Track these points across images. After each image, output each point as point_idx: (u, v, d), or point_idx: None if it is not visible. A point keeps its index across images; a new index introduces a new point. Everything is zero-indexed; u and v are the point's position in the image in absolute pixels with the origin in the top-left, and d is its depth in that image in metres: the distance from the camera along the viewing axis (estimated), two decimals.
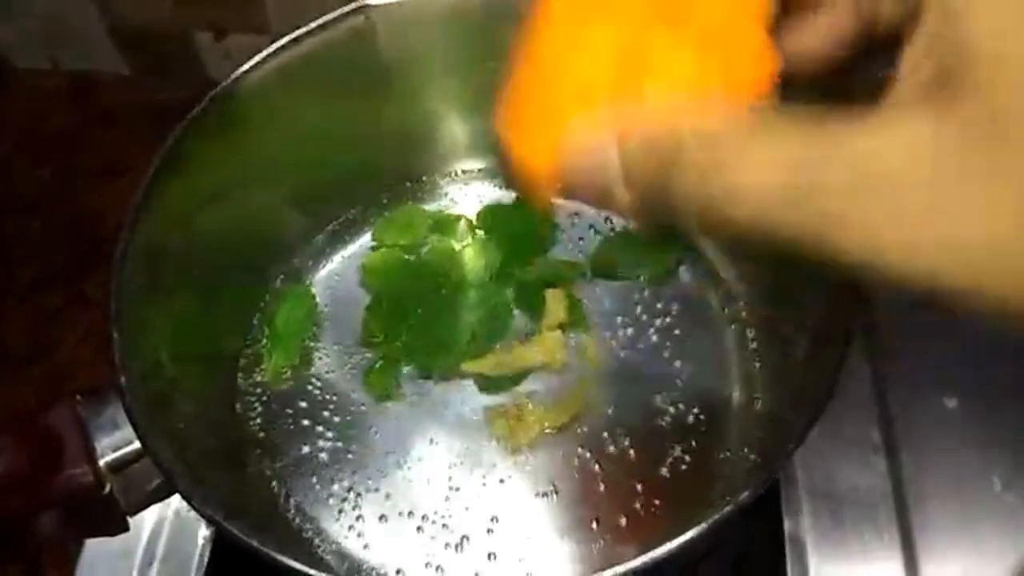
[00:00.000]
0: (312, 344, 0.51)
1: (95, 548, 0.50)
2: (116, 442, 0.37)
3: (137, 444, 0.36)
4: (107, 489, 0.36)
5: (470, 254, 0.53)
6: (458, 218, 0.55)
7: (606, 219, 0.54)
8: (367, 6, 0.47)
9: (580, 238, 0.54)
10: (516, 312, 0.51)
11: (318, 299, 0.53)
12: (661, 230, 0.52)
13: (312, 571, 0.34)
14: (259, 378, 0.50)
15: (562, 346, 0.49)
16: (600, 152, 0.23)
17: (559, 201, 0.53)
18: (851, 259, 0.20)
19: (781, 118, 0.20)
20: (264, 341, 0.51)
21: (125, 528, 0.39)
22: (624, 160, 0.23)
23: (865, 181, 0.19)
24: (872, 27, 0.25)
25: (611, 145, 0.23)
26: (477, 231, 0.54)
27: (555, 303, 0.51)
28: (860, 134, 0.19)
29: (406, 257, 0.53)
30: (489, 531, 0.45)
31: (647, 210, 0.23)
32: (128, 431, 0.36)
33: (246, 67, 0.46)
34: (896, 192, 0.19)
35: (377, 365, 0.50)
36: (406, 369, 0.50)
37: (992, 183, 0.18)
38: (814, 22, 0.26)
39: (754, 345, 0.49)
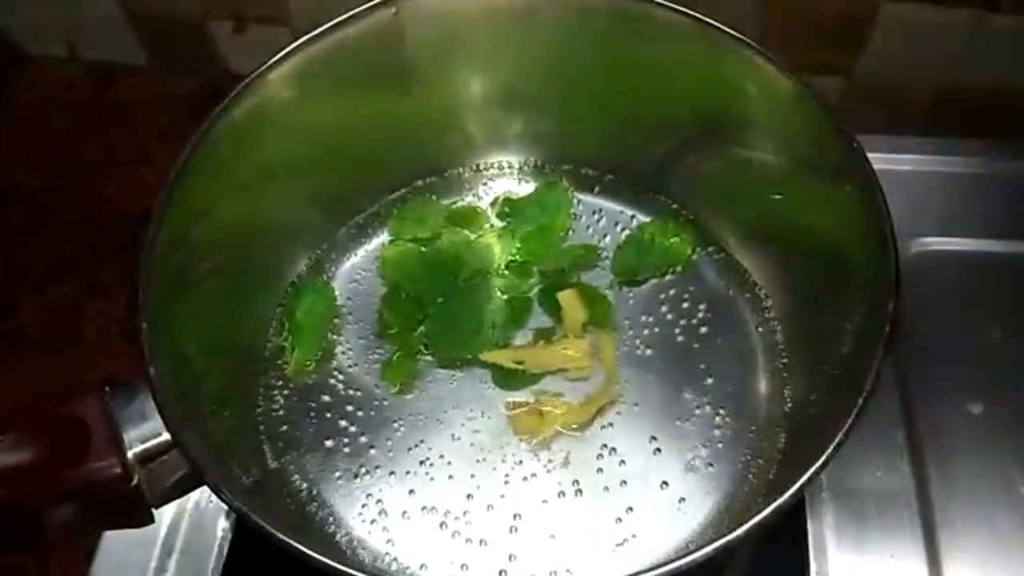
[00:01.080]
0: (335, 338, 0.51)
1: (113, 539, 0.50)
2: (144, 434, 0.36)
3: (166, 436, 0.36)
4: (134, 481, 0.36)
5: (487, 244, 0.53)
6: (474, 209, 0.55)
7: (632, 216, 0.54)
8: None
9: (605, 234, 0.54)
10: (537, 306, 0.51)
11: (340, 293, 0.52)
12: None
13: (335, 564, 0.34)
14: (283, 372, 0.50)
15: (587, 356, 0.49)
16: None
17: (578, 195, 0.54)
18: None
19: None
20: (286, 335, 0.51)
21: (151, 520, 0.39)
22: None
23: None
24: None
25: None
26: (495, 221, 0.54)
27: (571, 305, 0.50)
28: None
29: (423, 249, 0.53)
30: (512, 529, 0.45)
31: None
32: (157, 422, 0.36)
33: (273, 59, 0.45)
34: None
35: (395, 357, 0.50)
36: (427, 363, 0.49)
37: None
38: None
39: (782, 346, 0.49)
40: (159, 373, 0.37)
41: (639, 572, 0.33)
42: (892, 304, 0.37)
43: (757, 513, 0.33)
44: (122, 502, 0.37)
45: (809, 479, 0.34)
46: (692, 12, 0.44)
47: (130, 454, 0.36)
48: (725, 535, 0.33)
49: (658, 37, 0.46)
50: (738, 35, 0.44)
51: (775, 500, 0.33)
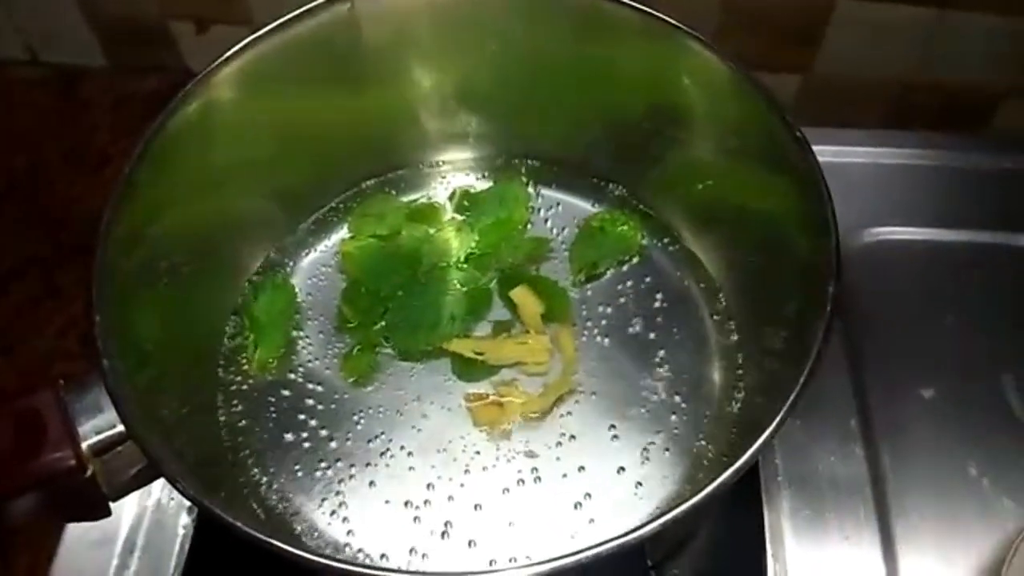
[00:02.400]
0: (295, 334, 0.51)
1: (75, 536, 0.50)
2: (99, 425, 0.37)
3: (120, 427, 0.36)
4: (89, 472, 0.36)
5: (446, 237, 0.54)
6: (432, 205, 0.55)
7: (589, 208, 0.55)
8: None
9: (563, 227, 0.54)
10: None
11: (301, 289, 0.53)
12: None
13: (294, 551, 0.34)
14: (242, 368, 0.50)
15: (546, 352, 0.50)
16: None
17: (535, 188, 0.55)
18: None
19: None
20: (247, 333, 0.51)
21: (107, 513, 0.39)
22: None
23: None
24: None
25: None
26: (454, 216, 0.55)
27: (525, 301, 0.51)
28: None
29: (382, 244, 0.53)
30: (472, 517, 0.45)
31: None
32: (111, 414, 0.36)
33: (226, 55, 0.45)
34: None
35: (354, 350, 0.50)
36: (388, 355, 0.50)
37: None
38: None
39: (735, 333, 0.50)
40: (112, 365, 0.37)
41: (591, 547, 0.33)
42: (832, 287, 0.38)
43: (693, 496, 0.34)
44: (78, 494, 0.37)
45: (745, 462, 0.34)
46: (638, 5, 0.45)
47: (84, 445, 0.36)
48: (667, 513, 0.34)
49: (607, 31, 0.47)
50: (683, 27, 0.45)
51: (709, 484, 0.34)
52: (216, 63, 0.45)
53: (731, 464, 0.35)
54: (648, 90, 0.49)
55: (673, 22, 0.45)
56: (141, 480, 0.39)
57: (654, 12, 0.45)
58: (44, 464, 0.35)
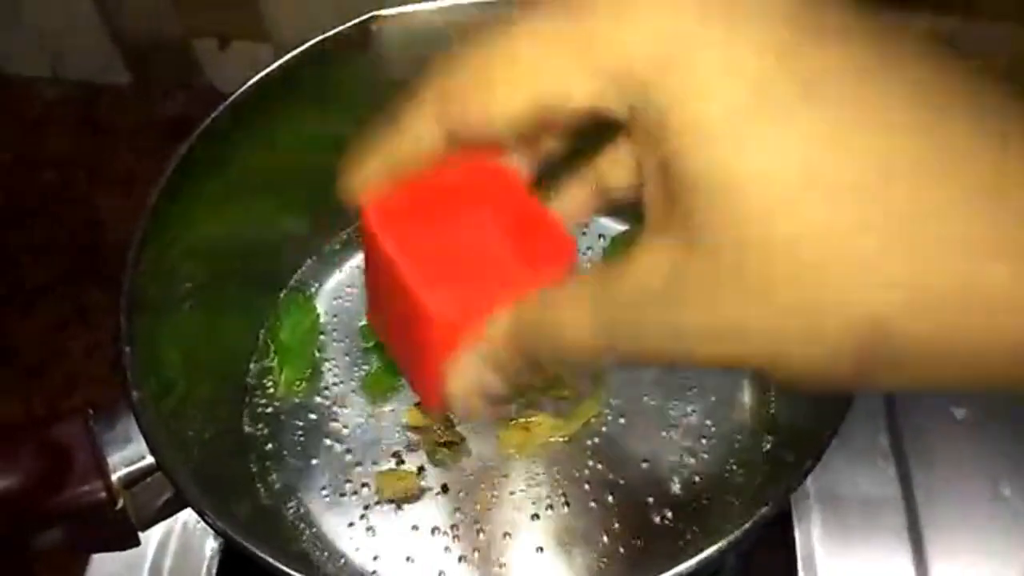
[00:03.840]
0: (321, 356, 0.51)
1: (101, 562, 0.50)
2: (128, 457, 0.36)
3: (150, 459, 0.36)
4: (119, 505, 0.36)
5: None
6: None
7: (620, 220, 0.54)
8: (378, 17, 0.47)
9: (588, 248, 0.54)
10: None
11: (326, 311, 0.53)
12: None
13: None
14: (268, 392, 0.50)
15: (575, 379, 0.49)
16: (469, 377, 0.27)
17: (562, 212, 0.54)
18: (664, 360, 0.24)
19: (582, 278, 0.25)
20: (272, 357, 0.50)
21: (136, 543, 0.39)
22: (490, 365, 0.26)
23: (640, 301, 0.22)
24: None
25: (476, 366, 0.26)
26: None
27: None
28: (627, 267, 0.23)
29: None
30: (501, 544, 0.45)
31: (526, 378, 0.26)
32: (141, 445, 0.36)
33: (256, 78, 0.45)
34: (659, 308, 0.22)
35: (376, 369, 0.50)
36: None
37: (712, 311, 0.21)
38: (569, 200, 0.31)
39: None
40: (142, 396, 0.37)
41: None
42: None
43: (738, 527, 0.33)
44: (108, 526, 0.37)
45: (789, 489, 0.34)
46: None
47: (114, 478, 0.36)
48: (710, 546, 0.33)
49: None
50: None
51: (755, 513, 0.33)
52: (243, 88, 0.45)
53: (762, 507, 0.34)
54: None
55: None
56: (170, 510, 0.39)
57: None
58: (74, 497, 0.35)
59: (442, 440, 0.47)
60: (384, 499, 0.46)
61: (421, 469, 0.47)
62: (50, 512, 0.36)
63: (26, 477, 0.36)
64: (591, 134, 0.26)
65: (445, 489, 0.46)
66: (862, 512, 0.51)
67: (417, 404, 0.48)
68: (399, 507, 0.46)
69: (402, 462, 0.47)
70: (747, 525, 0.33)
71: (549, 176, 0.31)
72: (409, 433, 0.48)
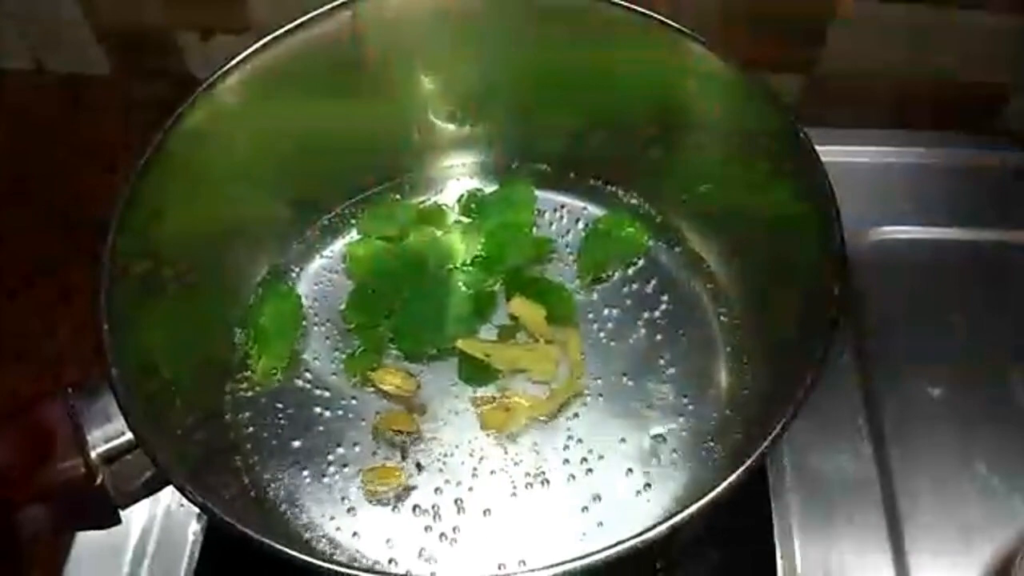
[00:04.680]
0: (302, 340, 0.51)
1: (85, 544, 0.50)
2: (108, 433, 0.37)
3: (129, 435, 0.36)
4: (99, 481, 0.36)
5: (453, 240, 0.54)
6: (441, 207, 0.55)
7: (593, 211, 0.55)
8: (353, 1, 0.47)
9: (568, 230, 0.54)
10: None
11: (307, 295, 0.53)
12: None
13: (305, 557, 0.34)
14: (249, 375, 0.50)
15: (553, 363, 0.49)
16: None
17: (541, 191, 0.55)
18: None
19: None
20: (251, 343, 0.51)
21: (117, 521, 0.39)
22: None
23: None
24: None
25: None
26: (460, 219, 0.55)
27: (524, 312, 0.51)
28: None
29: (390, 246, 0.54)
30: (481, 522, 0.45)
31: None
32: (120, 423, 0.37)
33: (231, 63, 0.46)
34: None
35: (358, 352, 0.50)
36: (394, 359, 0.50)
37: None
38: None
39: (741, 333, 0.50)
40: (121, 373, 0.37)
41: (600, 550, 0.33)
42: (838, 290, 0.38)
43: (702, 497, 0.34)
44: (88, 502, 0.37)
45: (754, 461, 0.35)
46: (639, 8, 0.45)
47: (93, 454, 0.36)
48: (677, 515, 0.34)
49: (609, 34, 0.47)
50: (684, 30, 0.45)
51: (720, 484, 0.34)
52: (219, 72, 0.45)
53: (738, 467, 0.35)
54: (652, 93, 0.49)
55: (674, 25, 0.45)
56: (150, 488, 0.39)
57: (655, 15, 0.45)
58: (54, 473, 0.36)
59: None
60: (373, 498, 0.46)
61: (403, 455, 0.47)
62: (31, 489, 0.36)
63: (8, 454, 0.36)
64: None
65: (420, 468, 0.47)
66: (839, 491, 0.51)
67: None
68: (380, 488, 0.46)
69: (380, 447, 0.47)
70: (714, 493, 0.34)
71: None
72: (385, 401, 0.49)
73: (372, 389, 0.49)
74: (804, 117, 0.43)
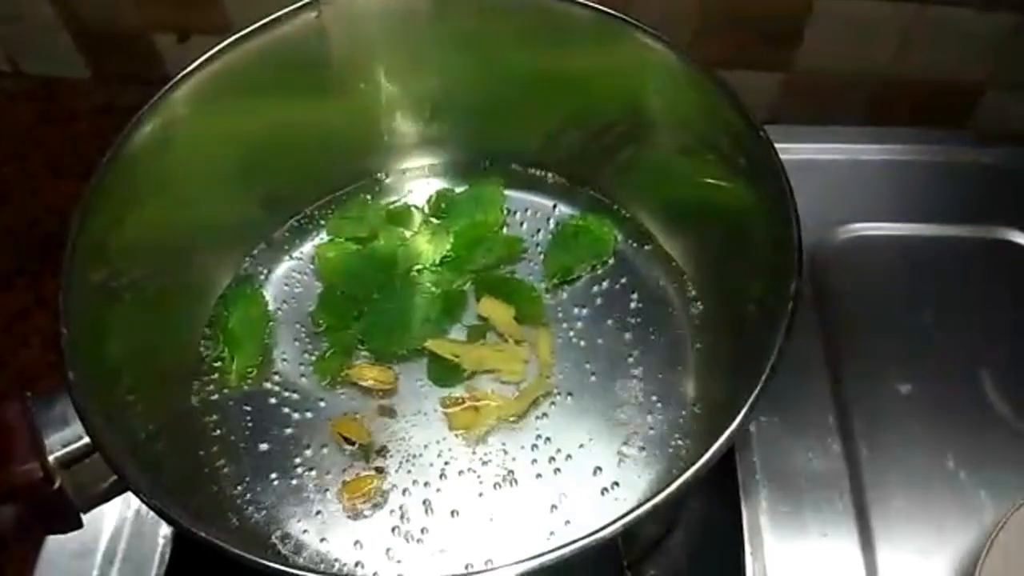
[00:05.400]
0: (271, 343, 0.51)
1: (54, 547, 0.50)
2: (66, 438, 0.37)
3: (87, 439, 0.36)
4: (56, 484, 0.36)
5: (422, 241, 0.54)
6: (410, 208, 0.55)
7: (562, 211, 0.55)
8: (318, 2, 0.47)
9: (537, 229, 0.54)
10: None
11: (275, 297, 0.53)
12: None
13: (269, 563, 0.34)
14: (216, 379, 0.50)
15: (522, 363, 0.49)
16: None
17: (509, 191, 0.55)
18: None
19: None
20: (222, 347, 0.50)
21: (79, 525, 0.39)
22: None
23: None
24: None
25: None
26: (429, 219, 0.55)
27: (493, 312, 0.51)
28: None
29: (359, 248, 0.54)
30: (449, 522, 0.45)
31: None
32: (78, 427, 0.36)
33: (193, 65, 0.46)
34: None
35: (328, 353, 0.50)
36: (363, 359, 0.50)
37: None
38: None
39: (708, 332, 0.50)
40: (78, 378, 0.37)
41: (563, 545, 0.33)
42: (794, 284, 0.38)
43: (662, 490, 0.34)
44: (48, 506, 0.37)
45: (710, 457, 0.35)
46: (595, 5, 0.45)
47: (51, 458, 0.36)
48: (639, 507, 0.34)
49: (570, 33, 0.47)
50: (642, 25, 0.45)
51: (679, 477, 0.34)
52: (181, 75, 0.45)
53: (697, 460, 0.35)
54: (618, 92, 0.49)
55: (637, 23, 0.45)
56: (112, 492, 0.39)
57: (618, 14, 0.45)
58: (10, 476, 0.35)
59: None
60: (351, 510, 0.46)
61: (367, 458, 0.47)
62: None
63: None
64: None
65: (383, 471, 0.47)
66: (809, 488, 0.51)
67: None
68: (348, 490, 0.46)
69: (348, 449, 0.47)
70: (673, 486, 0.34)
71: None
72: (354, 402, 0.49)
73: (342, 391, 0.49)
74: (782, 114, 0.43)
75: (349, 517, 0.46)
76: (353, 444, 0.47)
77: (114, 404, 0.40)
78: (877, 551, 0.50)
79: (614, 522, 0.34)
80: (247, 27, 0.47)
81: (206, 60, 0.46)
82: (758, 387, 0.35)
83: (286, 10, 0.47)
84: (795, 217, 0.39)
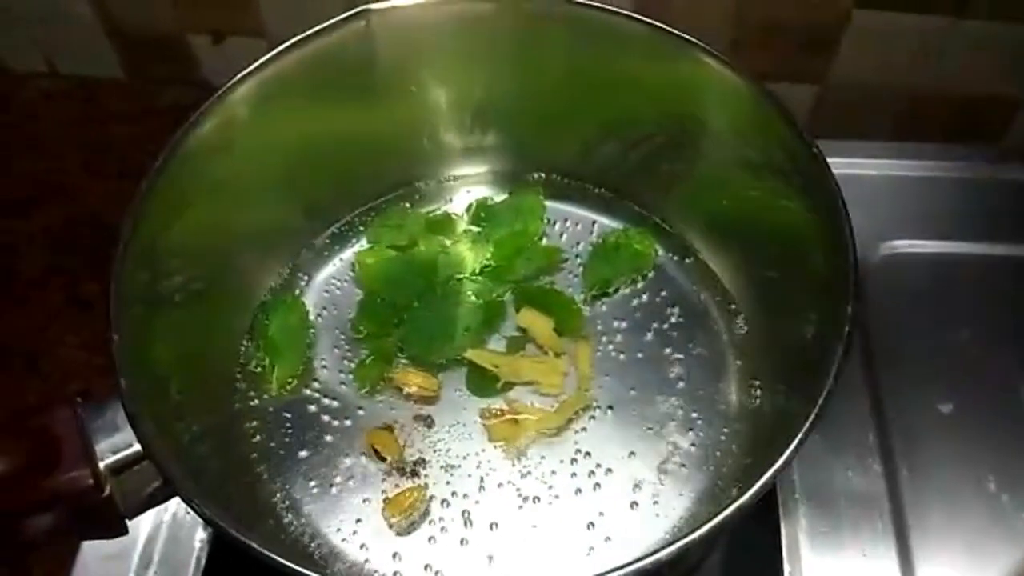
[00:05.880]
0: (311, 350, 0.51)
1: (90, 551, 0.50)
2: (116, 444, 0.37)
3: (137, 447, 0.36)
4: (106, 492, 0.36)
5: (462, 249, 0.54)
6: (450, 216, 0.55)
7: (602, 223, 0.55)
8: (367, 11, 0.47)
9: (578, 241, 0.54)
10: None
11: (316, 304, 0.53)
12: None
13: (309, 573, 0.34)
14: (258, 385, 0.50)
15: (562, 376, 0.49)
16: None
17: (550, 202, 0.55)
18: None
19: None
20: (262, 355, 0.50)
21: (124, 531, 0.39)
22: None
23: None
24: None
25: None
26: (469, 228, 0.55)
27: (532, 323, 0.51)
28: None
29: (399, 255, 0.54)
30: (488, 535, 0.45)
31: None
32: (128, 433, 0.36)
33: (245, 71, 0.46)
34: None
35: (368, 361, 0.50)
36: (403, 366, 0.50)
37: None
38: None
39: (751, 348, 0.49)
40: (130, 384, 0.37)
41: (605, 572, 0.33)
42: (851, 307, 0.37)
43: (716, 516, 0.33)
44: (95, 513, 0.37)
45: (766, 482, 0.34)
46: (649, 20, 0.45)
47: (101, 465, 0.36)
48: (689, 534, 0.33)
49: (620, 46, 0.47)
50: (696, 41, 0.45)
51: (735, 502, 0.34)
52: (233, 80, 0.45)
53: (748, 484, 0.35)
54: (663, 105, 0.49)
55: (686, 36, 0.45)
56: (158, 499, 0.39)
57: (667, 27, 0.45)
58: (61, 483, 0.36)
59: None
60: (391, 522, 0.46)
61: (416, 464, 0.47)
62: (37, 498, 0.36)
63: (13, 463, 0.36)
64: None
65: (430, 482, 0.47)
66: (848, 508, 0.51)
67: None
68: (387, 500, 0.46)
69: (383, 459, 0.47)
70: (716, 520, 0.34)
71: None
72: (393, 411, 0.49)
73: (381, 399, 0.49)
74: (816, 128, 0.43)
75: (388, 528, 0.46)
76: (384, 460, 0.47)
77: (162, 410, 0.40)
78: (916, 571, 0.49)
79: (663, 548, 0.34)
80: (289, 33, 0.47)
81: (256, 67, 0.46)
82: (813, 412, 0.35)
83: (335, 19, 0.47)
84: (852, 239, 0.39)
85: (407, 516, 0.45)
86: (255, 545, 0.35)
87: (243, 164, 0.48)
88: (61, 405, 0.37)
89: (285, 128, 0.49)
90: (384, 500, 0.46)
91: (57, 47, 0.84)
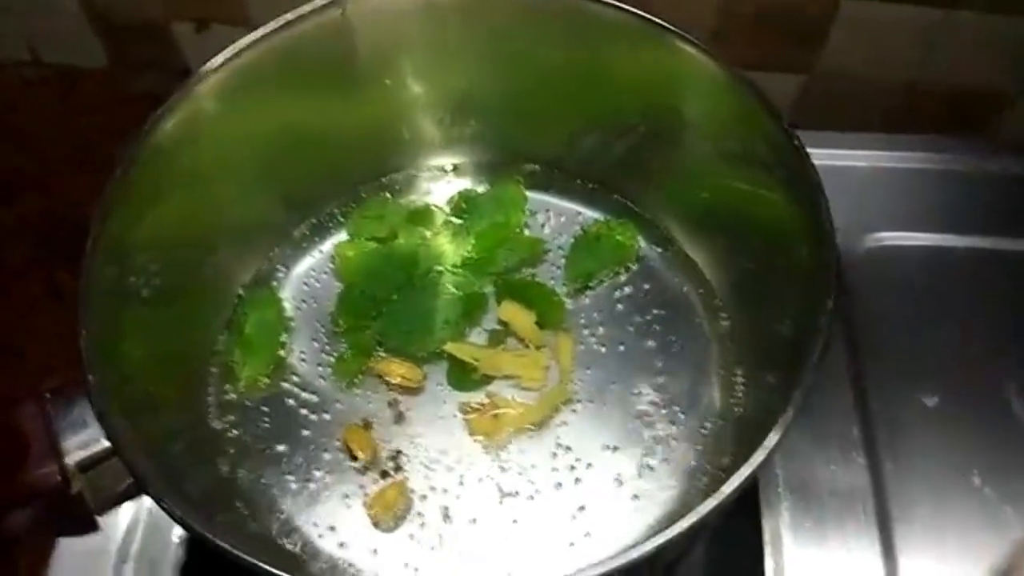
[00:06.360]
0: (289, 343, 0.51)
1: (68, 547, 0.50)
2: (84, 440, 0.36)
3: (106, 443, 0.36)
4: (75, 488, 0.36)
5: (443, 241, 0.53)
6: (431, 208, 0.55)
7: (584, 214, 0.54)
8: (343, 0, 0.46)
9: (560, 232, 0.54)
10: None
11: (294, 296, 0.52)
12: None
13: (280, 573, 0.34)
14: (234, 381, 0.49)
15: (543, 370, 0.49)
16: None
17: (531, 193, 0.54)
18: None
19: None
20: (236, 351, 0.50)
21: (95, 527, 0.39)
22: None
23: None
24: None
25: None
26: (450, 219, 0.54)
27: (513, 316, 0.50)
28: None
29: (379, 247, 0.53)
30: (468, 530, 0.45)
31: None
32: (96, 429, 0.36)
33: (219, 59, 0.45)
34: None
35: (347, 354, 0.50)
36: (382, 357, 0.49)
37: None
38: None
39: (733, 342, 0.49)
40: (98, 380, 0.36)
41: (589, 567, 0.33)
42: (831, 301, 0.37)
43: (697, 510, 0.33)
44: (65, 510, 0.37)
45: (747, 476, 0.34)
46: (632, 9, 0.44)
47: (70, 461, 0.36)
48: (671, 528, 0.33)
49: (603, 35, 0.47)
50: (678, 30, 0.44)
51: (716, 496, 0.33)
52: (205, 68, 0.45)
53: (730, 478, 0.34)
54: (645, 95, 0.49)
55: (668, 25, 0.44)
56: (128, 495, 0.38)
57: (649, 16, 0.45)
58: (28, 480, 0.35)
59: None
60: (383, 525, 0.45)
61: (394, 459, 0.47)
62: (5, 496, 0.36)
63: None
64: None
65: (410, 477, 0.46)
66: (831, 501, 0.51)
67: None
68: (366, 495, 0.46)
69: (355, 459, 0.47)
70: (696, 516, 0.33)
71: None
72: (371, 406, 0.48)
73: (359, 393, 0.49)
74: (803, 119, 0.42)
75: (367, 523, 0.45)
76: (356, 459, 0.46)
77: (132, 406, 0.39)
78: (900, 566, 0.49)
79: (645, 542, 0.33)
80: (270, 21, 0.46)
81: (231, 55, 0.45)
82: (795, 405, 0.35)
83: (310, 6, 0.46)
84: (831, 232, 0.38)
85: (392, 512, 0.45)
86: (225, 545, 0.34)
87: (218, 155, 0.47)
88: (28, 401, 0.37)
89: (261, 119, 0.48)
90: (367, 497, 0.46)
91: (40, 35, 0.83)
